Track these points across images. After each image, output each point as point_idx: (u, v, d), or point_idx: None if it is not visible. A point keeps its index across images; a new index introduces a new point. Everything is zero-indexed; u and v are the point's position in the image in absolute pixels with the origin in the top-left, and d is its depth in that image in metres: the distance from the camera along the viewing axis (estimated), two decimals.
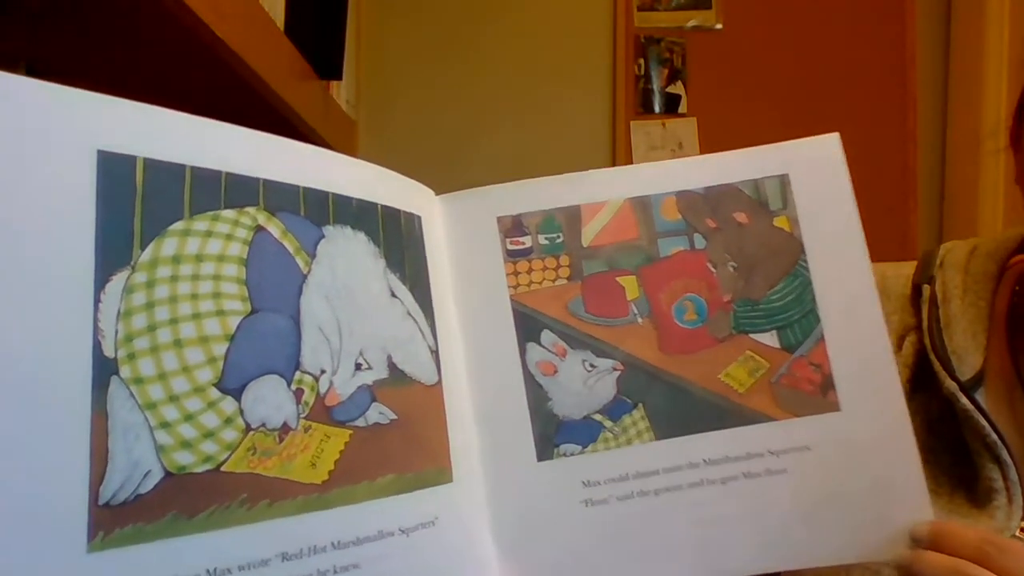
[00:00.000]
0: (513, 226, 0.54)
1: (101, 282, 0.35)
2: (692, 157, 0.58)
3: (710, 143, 1.95)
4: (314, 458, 0.41)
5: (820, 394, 0.54)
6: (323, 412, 0.42)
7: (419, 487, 0.46)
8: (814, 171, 0.56)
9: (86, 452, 0.34)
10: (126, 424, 0.36)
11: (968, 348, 0.64)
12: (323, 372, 0.43)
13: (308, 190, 0.43)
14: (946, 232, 2.03)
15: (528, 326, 0.53)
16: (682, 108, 2.05)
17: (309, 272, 0.43)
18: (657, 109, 2.04)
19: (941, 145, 2.07)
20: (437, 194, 0.54)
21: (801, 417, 0.54)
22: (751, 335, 0.55)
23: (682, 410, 0.53)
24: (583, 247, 0.55)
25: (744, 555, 0.53)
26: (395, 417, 0.45)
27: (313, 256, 0.43)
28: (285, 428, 0.41)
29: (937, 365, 0.63)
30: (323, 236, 0.44)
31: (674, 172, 0.57)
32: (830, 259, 0.55)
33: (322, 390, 0.42)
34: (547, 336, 0.54)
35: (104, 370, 0.35)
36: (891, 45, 2.06)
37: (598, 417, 0.53)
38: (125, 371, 0.36)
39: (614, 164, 1.88)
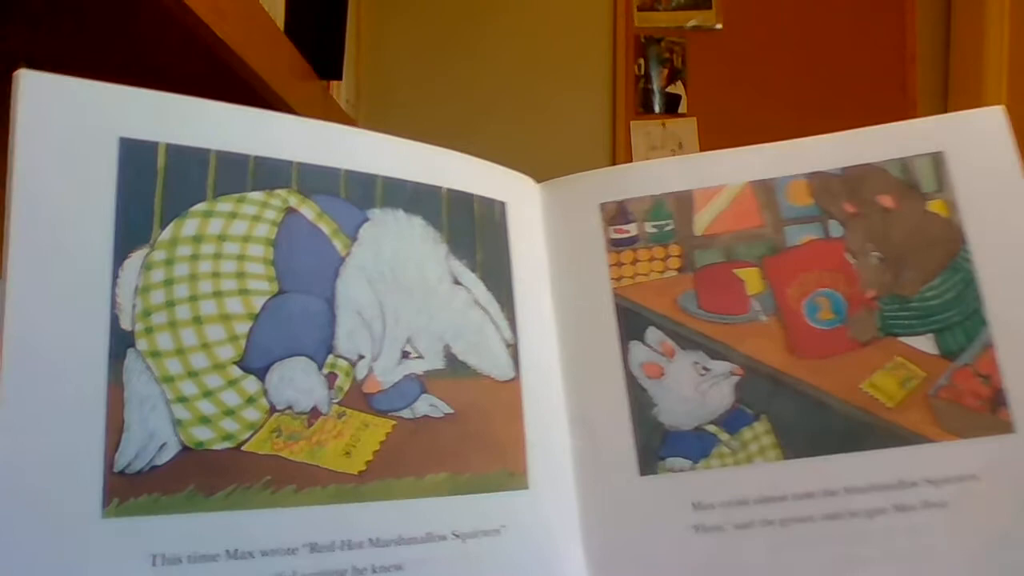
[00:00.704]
0: (618, 213, 0.50)
1: (120, 259, 0.36)
2: (827, 135, 0.50)
3: (710, 143, 1.84)
4: (348, 446, 0.40)
5: (989, 411, 0.45)
6: (360, 399, 0.41)
7: (481, 490, 0.43)
8: (975, 148, 0.48)
9: (102, 420, 0.35)
10: (141, 396, 0.36)
11: None
12: (361, 357, 0.41)
13: (351, 173, 0.43)
14: None
15: (632, 323, 0.48)
16: (682, 108, 2.00)
17: (348, 255, 0.42)
18: (657, 109, 2.00)
19: None
20: None
21: (966, 439, 0.45)
22: (901, 338, 0.47)
23: (816, 425, 0.46)
24: (696, 236, 0.49)
25: None
26: (451, 411, 0.43)
27: (354, 239, 0.42)
28: (315, 412, 0.39)
29: None
30: (367, 219, 0.42)
31: (804, 151, 0.50)
32: (998, 250, 0.46)
33: (359, 376, 0.41)
34: (653, 334, 0.48)
35: (121, 342, 0.36)
36: (891, 45, 2.05)
37: (712, 428, 0.47)
38: (141, 344, 0.36)
39: (614, 164, 1.81)
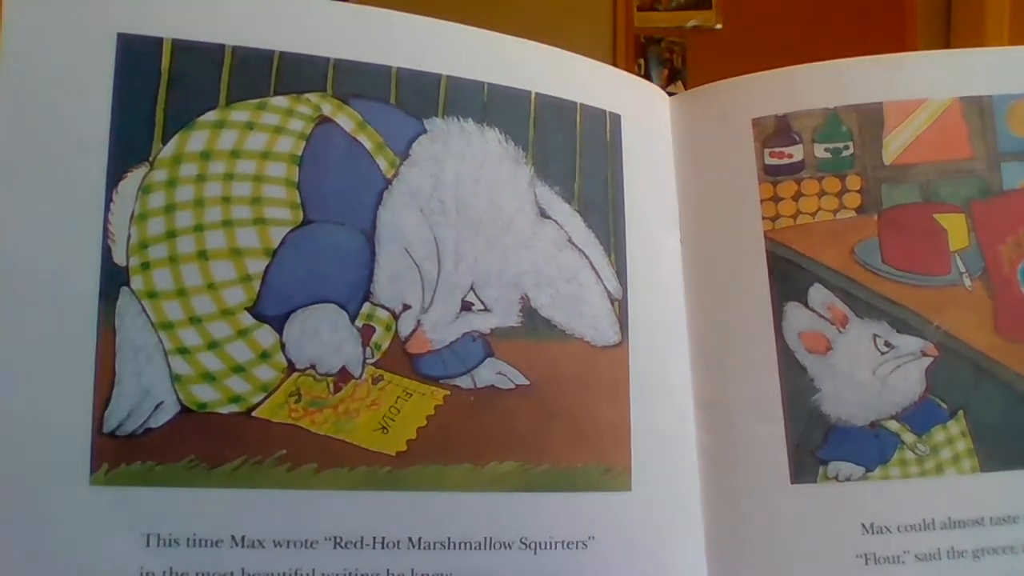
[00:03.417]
0: (777, 131, 0.41)
1: (114, 180, 0.32)
2: None
3: None
4: (386, 419, 0.33)
5: None
6: (403, 360, 0.34)
7: (564, 488, 0.35)
8: None
9: (90, 371, 0.31)
10: (136, 344, 0.32)
11: None
12: (407, 308, 0.34)
13: (405, 72, 0.36)
14: None
15: (790, 277, 0.39)
16: None
17: (396, 176, 0.35)
18: None
19: None
20: None
21: None
22: None
23: None
24: (884, 165, 0.40)
25: None
26: (526, 383, 0.35)
27: (405, 156, 0.35)
28: (344, 374, 0.33)
29: None
30: (423, 131, 0.36)
31: None
32: None
33: (404, 331, 0.34)
34: (819, 294, 0.39)
35: (113, 279, 0.32)
36: (891, 45, 1.94)
37: (893, 426, 0.38)
38: (137, 282, 0.32)
39: None
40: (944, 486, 0.37)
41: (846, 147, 0.40)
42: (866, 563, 0.37)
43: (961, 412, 0.38)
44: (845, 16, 2.03)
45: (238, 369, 0.32)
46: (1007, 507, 0.37)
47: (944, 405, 0.38)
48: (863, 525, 0.37)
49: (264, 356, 0.33)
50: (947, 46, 2.07)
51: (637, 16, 2.08)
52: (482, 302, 0.35)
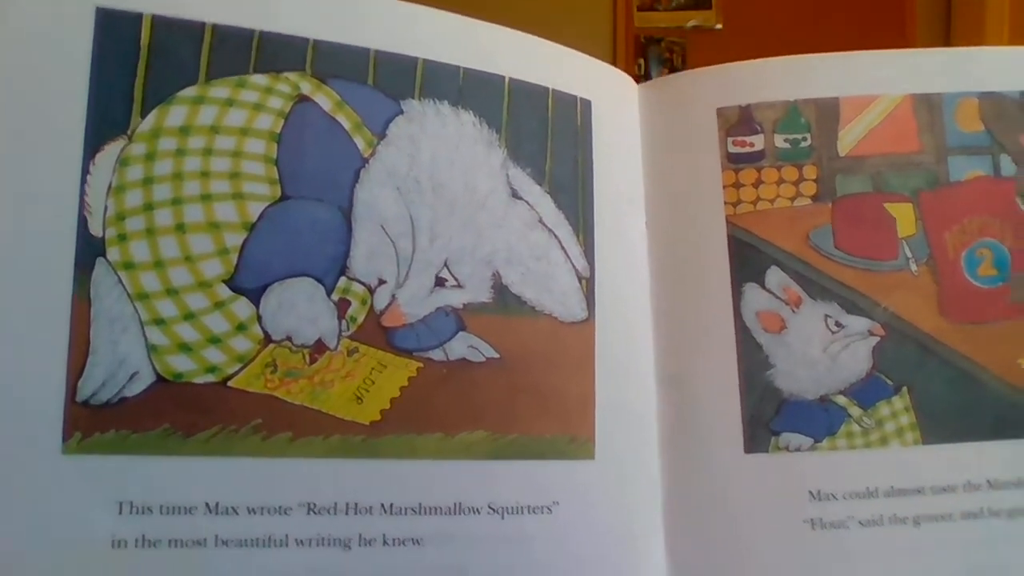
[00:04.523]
0: (740, 121, 0.41)
1: (91, 152, 0.31)
2: (1006, 47, 0.40)
3: None
4: (360, 390, 0.33)
5: None
6: (378, 333, 0.34)
7: (530, 456, 0.35)
8: None
9: (64, 341, 0.30)
10: (111, 314, 0.31)
11: None
12: (382, 283, 0.34)
13: (384, 54, 0.35)
14: None
15: (749, 260, 0.39)
16: None
17: (373, 155, 0.35)
18: None
19: None
20: None
21: None
22: None
23: (963, 404, 0.39)
24: (839, 156, 0.40)
25: None
26: (496, 356, 0.35)
27: (382, 136, 0.35)
28: (319, 346, 0.33)
29: None
30: (400, 112, 0.35)
31: (980, 64, 0.42)
32: None
33: (379, 305, 0.34)
34: (775, 276, 0.39)
35: (89, 250, 0.31)
36: (891, 45, 1.85)
37: (841, 400, 0.38)
38: (113, 253, 0.31)
39: None
40: (887, 457, 0.38)
41: (804, 138, 0.40)
42: (812, 528, 0.37)
43: (905, 388, 0.38)
44: (845, 16, 1.98)
45: (215, 340, 0.32)
46: (947, 478, 0.37)
47: (889, 382, 0.38)
48: (810, 492, 0.37)
49: (241, 328, 0.32)
50: (947, 45, 2.00)
51: (637, 16, 2.03)
52: (455, 278, 0.35)
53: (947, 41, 2.00)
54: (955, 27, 2.00)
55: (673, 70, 2.00)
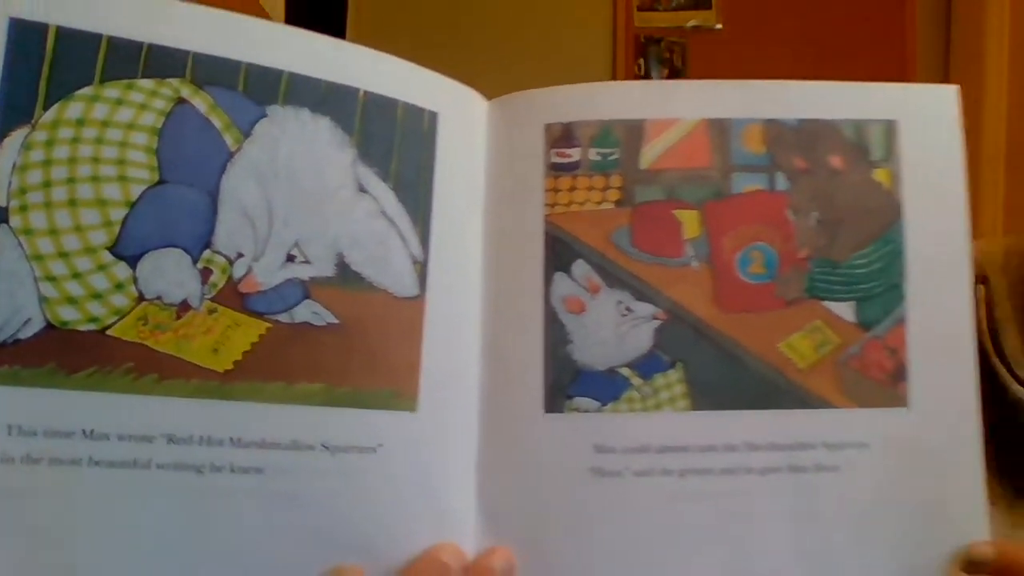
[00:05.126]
0: (562, 136, 0.46)
1: (0, 136, 0.36)
2: (789, 81, 0.47)
3: None
4: (217, 344, 0.38)
5: (889, 385, 0.44)
6: (235, 297, 0.39)
7: (359, 405, 0.40)
8: (927, 124, 0.46)
9: None
10: (11, 270, 0.36)
11: (1021, 351, 0.57)
12: (240, 256, 0.39)
13: (253, 67, 0.40)
14: None
15: (560, 252, 0.45)
16: None
17: (239, 150, 0.39)
18: None
19: None
20: None
21: (865, 408, 0.43)
22: (825, 302, 0.44)
23: (728, 379, 0.44)
24: (640, 169, 0.45)
25: (774, 562, 0.43)
26: (335, 321, 0.40)
27: (247, 135, 0.39)
28: (185, 305, 0.38)
29: (1003, 370, 0.56)
30: (264, 116, 0.40)
31: (765, 96, 0.47)
32: (928, 230, 0.45)
33: (236, 274, 0.39)
34: (580, 267, 0.44)
35: None
36: (891, 45, 2.01)
37: (625, 371, 0.44)
38: (15, 221, 0.36)
39: None
40: (661, 420, 0.43)
41: (613, 153, 0.45)
42: (595, 475, 0.42)
43: (680, 364, 0.43)
44: (845, 15, 1.95)
45: (97, 296, 0.36)
46: (710, 439, 0.43)
47: (666, 358, 0.43)
48: (595, 446, 0.42)
49: (119, 287, 0.36)
50: (947, 45, 1.99)
51: (637, 16, 1.98)
52: (304, 255, 0.40)
53: (947, 41, 1.99)
54: (955, 27, 1.99)
55: (673, 70, 1.95)
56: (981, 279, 0.58)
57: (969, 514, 0.44)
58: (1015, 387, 0.55)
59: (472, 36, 2.00)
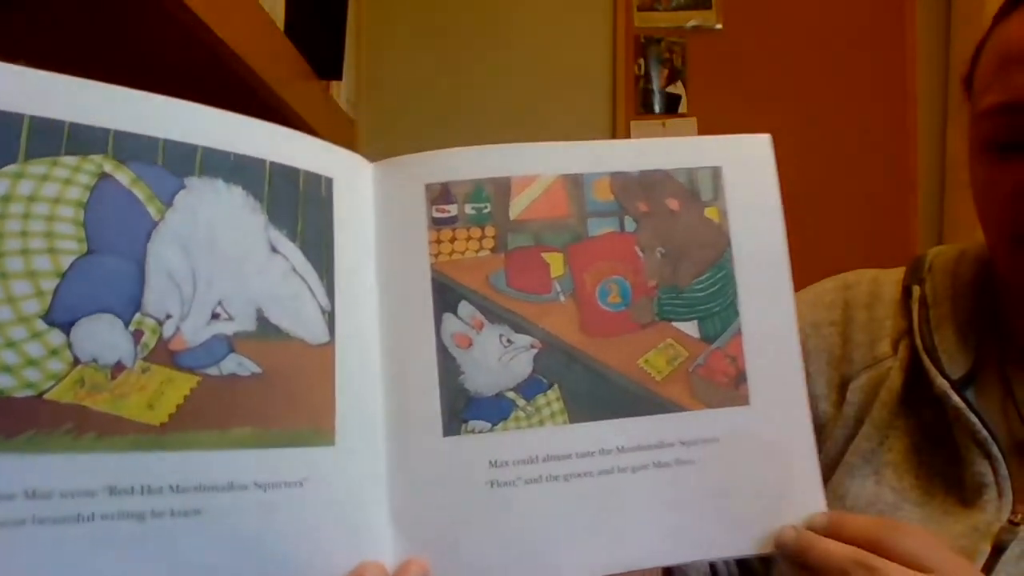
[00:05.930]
0: (441, 194, 0.50)
1: None
2: (630, 140, 0.53)
3: None
4: (152, 400, 0.40)
5: (733, 387, 0.50)
6: (166, 355, 0.40)
7: (285, 444, 0.43)
8: (745, 167, 0.53)
9: None
10: None
11: (958, 348, 0.61)
12: (169, 317, 0.41)
13: (170, 142, 0.42)
14: (946, 232, 1.88)
15: (446, 296, 0.49)
16: (682, 108, 1.95)
17: (162, 220, 0.41)
18: (657, 109, 1.95)
19: (941, 145, 1.92)
20: None
21: (713, 409, 0.50)
22: (673, 323, 0.51)
23: (598, 394, 0.49)
24: (510, 220, 0.51)
25: (650, 545, 0.49)
26: (259, 370, 0.43)
27: (169, 205, 0.41)
28: (119, 366, 0.39)
29: (928, 363, 0.61)
30: (183, 187, 0.42)
31: (610, 152, 0.53)
32: (753, 255, 0.52)
33: (166, 334, 0.41)
34: (465, 307, 0.49)
35: None
36: (891, 45, 1.96)
37: (511, 395, 0.49)
38: None
39: None
40: (544, 434, 0.48)
41: (485, 207, 0.50)
42: (492, 487, 0.47)
43: (556, 384, 0.48)
44: (845, 16, 1.92)
45: (32, 363, 0.37)
46: (587, 446, 0.48)
47: (545, 380, 0.48)
48: (490, 461, 0.47)
49: (54, 352, 0.37)
50: (947, 44, 1.92)
51: (637, 16, 1.94)
52: (227, 313, 0.42)
53: (947, 41, 1.93)
54: (955, 26, 1.93)
55: (673, 70, 1.92)
56: (918, 280, 0.64)
57: (807, 490, 0.50)
58: (940, 380, 0.59)
59: (472, 36, 1.96)
